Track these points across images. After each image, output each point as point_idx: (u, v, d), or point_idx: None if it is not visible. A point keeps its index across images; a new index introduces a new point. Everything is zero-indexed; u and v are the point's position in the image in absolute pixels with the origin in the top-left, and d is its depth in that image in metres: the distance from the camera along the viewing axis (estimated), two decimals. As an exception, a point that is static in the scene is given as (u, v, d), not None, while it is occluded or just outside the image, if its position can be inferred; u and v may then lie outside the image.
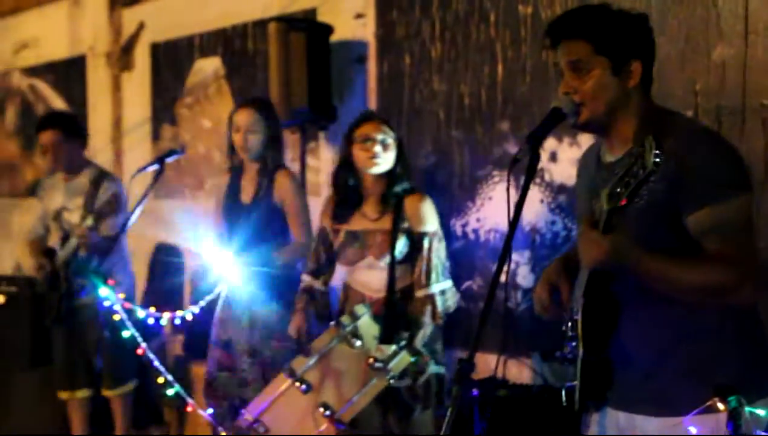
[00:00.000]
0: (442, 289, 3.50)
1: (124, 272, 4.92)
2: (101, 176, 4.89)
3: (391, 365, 3.06)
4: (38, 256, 4.86)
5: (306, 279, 3.72)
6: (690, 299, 2.08)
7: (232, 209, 4.14)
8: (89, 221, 4.38)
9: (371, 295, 3.50)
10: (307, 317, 3.67)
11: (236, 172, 4.18)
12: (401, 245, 3.44)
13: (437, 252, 3.48)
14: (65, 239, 4.78)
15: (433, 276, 3.44)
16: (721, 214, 2.04)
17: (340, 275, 3.84)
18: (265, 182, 4.08)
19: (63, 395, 4.99)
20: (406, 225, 3.45)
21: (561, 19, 2.27)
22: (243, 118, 4.05)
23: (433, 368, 3.42)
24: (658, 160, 1.89)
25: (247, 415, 3.19)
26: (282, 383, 3.09)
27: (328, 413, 2.97)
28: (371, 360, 3.04)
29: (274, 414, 3.11)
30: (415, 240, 3.47)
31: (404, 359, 3.14)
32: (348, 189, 3.57)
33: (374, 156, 3.47)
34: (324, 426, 2.96)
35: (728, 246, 2.03)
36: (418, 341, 3.36)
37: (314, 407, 2.98)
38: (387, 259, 3.42)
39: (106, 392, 4.94)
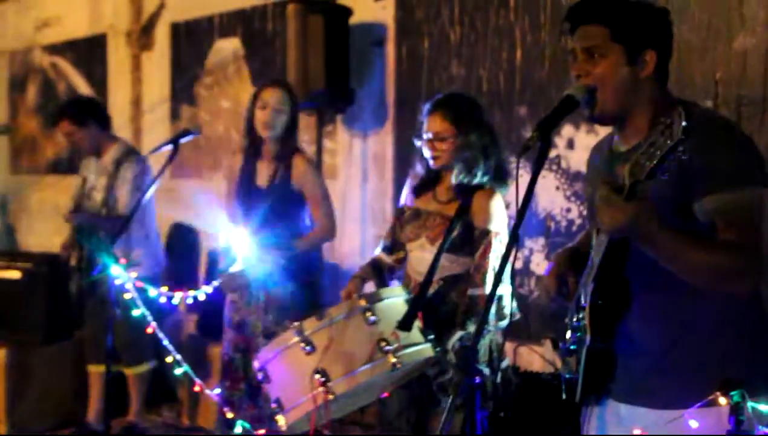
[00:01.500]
0: (498, 294, 3.23)
1: (147, 251, 4.96)
2: (125, 156, 4.93)
3: (402, 353, 3.00)
4: (71, 233, 4.95)
5: (377, 252, 3.64)
6: (697, 282, 2.03)
7: (247, 193, 4.10)
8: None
9: (417, 278, 3.39)
10: (362, 286, 3.55)
11: (251, 153, 4.12)
12: (456, 236, 3.27)
13: (497, 253, 3.26)
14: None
15: (488, 277, 3.23)
16: (732, 201, 2.02)
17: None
18: (282, 166, 4.05)
19: (87, 367, 5.11)
20: (470, 218, 3.33)
21: (581, 3, 2.25)
22: (272, 96, 4.01)
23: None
24: (686, 128, 1.84)
25: (256, 362, 3.19)
26: (289, 339, 3.05)
27: (323, 379, 2.93)
28: (382, 342, 2.99)
29: (276, 366, 3.09)
30: (475, 236, 3.28)
31: (421, 351, 3.08)
32: (429, 168, 3.46)
33: (434, 154, 3.36)
34: (317, 391, 2.93)
35: (738, 233, 2.01)
36: (452, 340, 3.23)
37: (312, 371, 2.95)
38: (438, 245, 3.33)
39: (124, 370, 5.00)
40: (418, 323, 3.10)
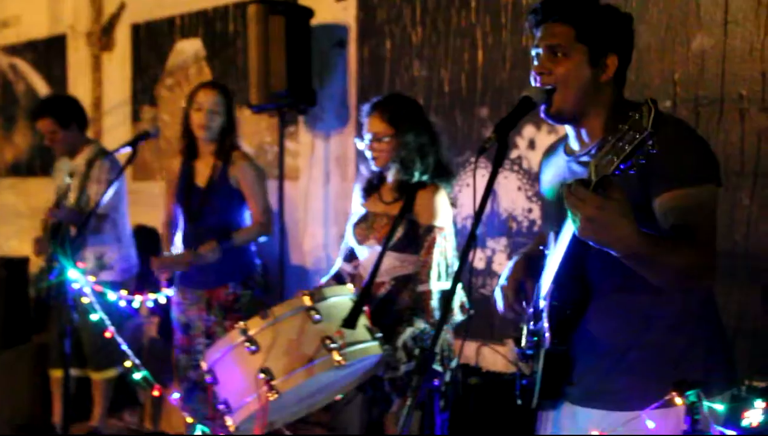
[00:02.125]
0: (443, 289, 3.30)
1: (119, 254, 4.92)
2: (96, 155, 4.87)
3: (347, 350, 3.00)
4: (42, 233, 4.87)
5: (337, 262, 3.65)
6: (662, 278, 2.01)
7: (187, 192, 4.11)
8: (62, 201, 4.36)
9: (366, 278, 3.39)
10: None
11: (189, 154, 4.15)
12: (400, 235, 3.32)
13: (442, 248, 3.30)
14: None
15: (434, 273, 3.27)
16: (691, 198, 2.03)
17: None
18: (220, 164, 4.06)
19: (53, 372, 5.03)
20: (414, 216, 3.34)
21: (548, 1, 2.25)
22: (207, 97, 4.05)
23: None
24: (655, 121, 1.73)
25: (203, 362, 3.18)
26: (234, 338, 3.06)
27: (267, 378, 2.93)
28: (326, 340, 2.99)
29: (222, 367, 3.09)
30: (420, 233, 3.32)
31: (368, 349, 3.08)
32: (374, 170, 3.48)
33: (374, 154, 3.38)
34: (261, 390, 2.92)
35: (697, 230, 2.01)
36: (402, 337, 3.25)
37: (257, 370, 2.94)
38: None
39: (91, 374, 4.93)
40: (365, 322, 3.12)
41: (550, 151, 2.49)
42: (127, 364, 3.84)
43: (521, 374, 2.30)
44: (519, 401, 2.24)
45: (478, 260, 4.27)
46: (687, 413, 1.84)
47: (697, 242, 2.00)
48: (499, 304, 2.39)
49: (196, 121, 4.04)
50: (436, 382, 1.88)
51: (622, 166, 1.78)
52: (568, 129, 2.30)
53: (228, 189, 4.07)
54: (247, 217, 4.16)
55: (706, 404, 1.88)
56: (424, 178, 3.35)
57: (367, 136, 3.37)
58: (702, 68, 3.53)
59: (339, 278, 3.60)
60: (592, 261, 2.12)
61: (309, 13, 4.82)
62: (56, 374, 4.99)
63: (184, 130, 4.12)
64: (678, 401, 1.87)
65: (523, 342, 2.22)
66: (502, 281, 2.41)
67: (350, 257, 3.58)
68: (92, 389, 5.01)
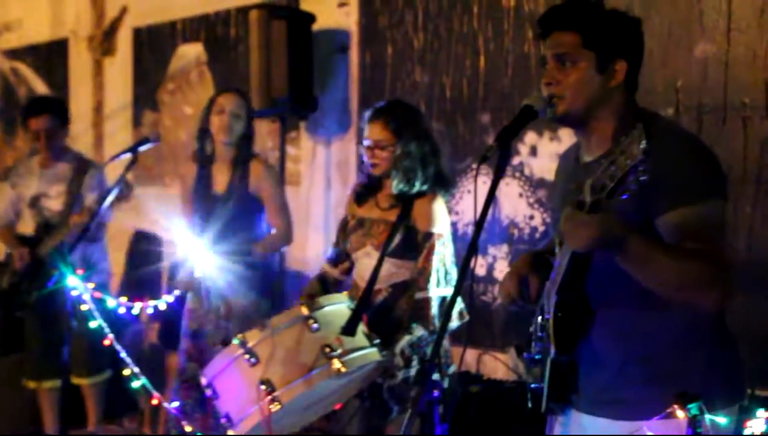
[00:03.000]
0: (443, 296, 3.26)
1: (104, 261, 4.89)
2: (86, 163, 4.82)
3: (347, 357, 2.99)
4: (14, 244, 4.78)
5: (323, 266, 3.63)
6: (667, 291, 2.01)
7: (204, 199, 4.06)
8: (85, 215, 4.29)
9: (364, 286, 3.32)
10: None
11: (206, 160, 4.08)
12: (398, 241, 3.29)
13: (441, 255, 3.27)
14: (45, 226, 4.71)
15: (433, 280, 3.23)
16: (696, 215, 2.00)
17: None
18: (239, 171, 4.02)
19: (31, 384, 4.91)
20: (412, 223, 3.33)
21: (555, 9, 2.24)
22: (230, 101, 4.00)
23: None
24: (646, 149, 1.80)
25: (203, 377, 3.17)
26: (234, 351, 3.05)
27: (268, 390, 2.92)
28: (326, 348, 2.98)
29: (223, 381, 3.08)
30: (418, 240, 3.28)
31: (368, 355, 3.07)
32: (370, 174, 3.46)
33: (374, 161, 3.36)
34: (263, 402, 2.91)
35: (704, 245, 1.98)
36: (400, 344, 3.21)
37: (257, 382, 2.94)
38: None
39: (79, 381, 4.88)
40: (363, 328, 3.11)
41: (563, 157, 2.48)
42: (126, 372, 3.81)
43: (533, 379, 2.27)
44: (530, 405, 2.22)
45: (479, 267, 4.26)
46: (689, 425, 1.82)
47: (706, 257, 1.97)
48: (502, 295, 2.38)
49: (219, 124, 3.96)
50: (436, 393, 1.86)
51: (614, 191, 1.85)
52: (579, 136, 2.28)
53: (247, 196, 4.02)
54: (263, 225, 4.11)
55: (708, 417, 1.87)
56: (424, 187, 3.33)
57: (367, 143, 3.35)
58: (705, 76, 3.52)
59: (323, 281, 3.57)
60: (592, 275, 2.10)
61: (311, 18, 4.81)
62: (41, 385, 4.91)
63: (202, 135, 4.04)
64: (680, 413, 1.86)
65: (533, 345, 2.21)
66: (506, 274, 2.40)
67: (336, 261, 3.56)
68: (83, 396, 4.97)
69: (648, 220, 2.05)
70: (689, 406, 1.83)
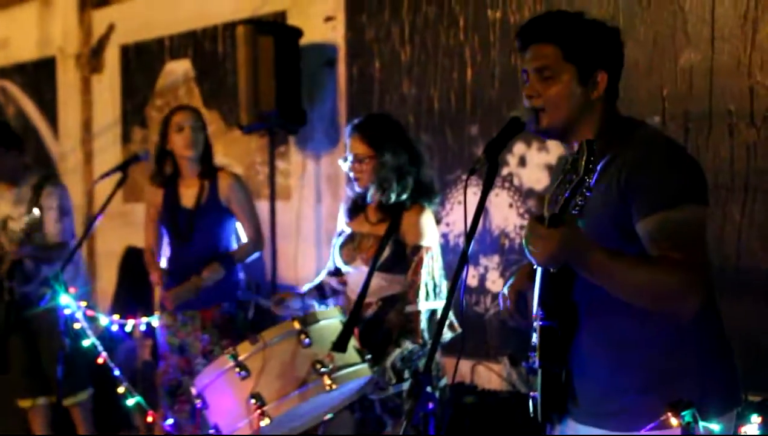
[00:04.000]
0: (432, 308, 3.28)
1: (78, 278, 4.85)
2: (43, 181, 4.71)
3: (338, 374, 3.00)
4: None
5: (321, 274, 3.65)
6: (640, 302, 2.02)
7: (173, 215, 4.08)
8: (20, 234, 4.27)
9: (354, 299, 3.38)
10: (300, 300, 3.56)
11: (169, 180, 4.12)
12: (387, 255, 3.29)
13: (429, 268, 3.28)
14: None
15: (422, 293, 3.24)
16: (672, 221, 2.00)
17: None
18: (208, 184, 4.06)
19: (24, 403, 4.87)
20: (400, 236, 3.35)
21: (533, 22, 2.24)
22: (186, 117, 4.07)
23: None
24: (590, 166, 1.86)
25: (193, 388, 3.17)
26: (224, 364, 3.05)
27: (258, 404, 2.93)
28: (317, 364, 2.99)
29: (213, 392, 3.09)
30: (407, 253, 3.30)
31: (358, 372, 3.08)
32: (358, 189, 3.48)
33: (356, 175, 3.38)
34: (253, 416, 2.92)
35: (678, 252, 1.98)
36: (390, 358, 3.22)
37: (248, 396, 2.94)
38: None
39: (65, 401, 4.84)
40: (354, 344, 3.12)
41: (556, 165, 2.50)
42: (121, 389, 3.81)
43: (532, 388, 2.28)
44: (531, 413, 2.22)
45: (471, 278, 4.27)
46: (683, 433, 1.83)
47: (680, 264, 1.97)
48: (501, 313, 2.39)
49: (181, 142, 4.01)
50: (430, 405, 1.87)
51: (566, 207, 1.92)
52: (564, 145, 2.30)
53: (218, 209, 4.07)
54: (233, 235, 4.15)
55: (702, 424, 1.87)
56: (403, 197, 3.34)
57: (349, 157, 3.38)
58: (690, 84, 3.54)
59: (321, 290, 3.60)
60: (578, 284, 2.10)
61: (298, 33, 4.83)
62: (27, 404, 4.89)
63: (160, 155, 4.08)
64: (673, 421, 1.87)
65: (530, 357, 2.21)
66: (504, 289, 2.40)
67: (336, 272, 3.59)
68: (71, 416, 4.93)
69: (629, 224, 2.06)
70: (683, 413, 1.84)
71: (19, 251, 4.39)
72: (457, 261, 2.06)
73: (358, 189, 3.42)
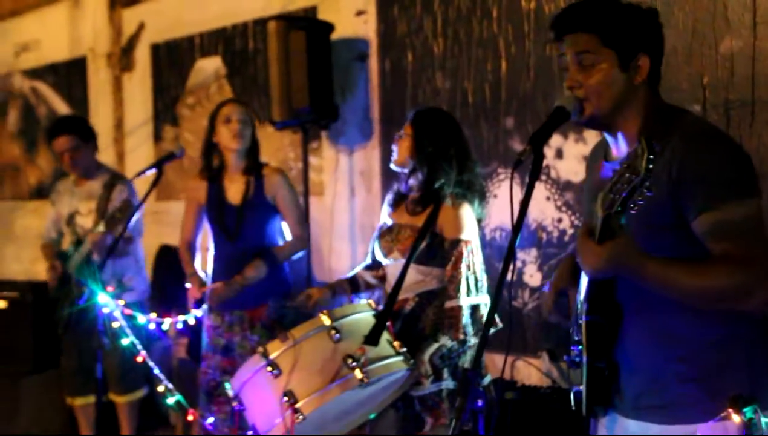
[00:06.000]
0: (473, 304, 3.24)
1: (138, 276, 4.89)
2: (114, 179, 4.83)
3: (370, 367, 2.96)
4: (51, 259, 4.82)
5: (357, 268, 3.63)
6: (701, 305, 2.00)
7: (219, 211, 4.06)
8: (101, 226, 4.31)
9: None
10: (331, 296, 3.55)
11: (216, 174, 4.10)
12: (426, 247, 3.26)
13: (469, 262, 3.24)
14: (78, 243, 4.73)
15: (463, 288, 3.20)
16: (727, 217, 1.96)
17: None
18: (254, 180, 4.03)
19: (71, 400, 4.98)
20: (438, 230, 3.30)
21: (567, 11, 2.19)
22: (235, 110, 4.04)
23: (449, 384, 3.26)
24: (650, 166, 1.80)
25: (230, 389, 3.17)
26: (257, 363, 3.04)
27: (291, 401, 2.91)
28: (348, 358, 2.96)
29: (248, 392, 3.08)
30: (445, 247, 3.27)
31: (391, 365, 3.04)
32: (401, 180, 3.50)
33: (397, 151, 3.43)
34: (286, 414, 2.89)
35: (737, 249, 1.94)
36: (427, 353, 3.19)
37: (281, 394, 2.92)
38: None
39: (115, 398, 4.89)
40: (388, 337, 3.08)
41: (592, 155, 2.44)
42: (160, 388, 3.80)
43: (575, 382, 2.24)
44: (573, 408, 2.19)
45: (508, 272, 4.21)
46: (745, 429, 1.79)
47: (741, 261, 1.93)
48: (542, 311, 2.37)
49: (228, 133, 3.99)
50: (479, 403, 1.83)
51: (623, 207, 1.89)
52: (606, 135, 2.25)
53: (265, 205, 4.04)
54: (278, 233, 4.12)
55: (764, 420, 1.83)
56: (444, 188, 3.30)
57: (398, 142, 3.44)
58: (731, 71, 3.47)
59: (353, 283, 3.59)
60: (622, 280, 2.07)
61: (329, 27, 4.80)
62: (77, 402, 4.95)
63: (208, 148, 4.07)
64: (735, 417, 1.82)
65: (573, 349, 2.18)
66: (546, 288, 2.37)
67: (373, 266, 3.56)
68: (118, 413, 4.98)
69: (683, 220, 2.01)
70: (744, 409, 1.79)
71: (102, 238, 4.40)
72: (493, 255, 2.04)
73: (392, 166, 3.46)
